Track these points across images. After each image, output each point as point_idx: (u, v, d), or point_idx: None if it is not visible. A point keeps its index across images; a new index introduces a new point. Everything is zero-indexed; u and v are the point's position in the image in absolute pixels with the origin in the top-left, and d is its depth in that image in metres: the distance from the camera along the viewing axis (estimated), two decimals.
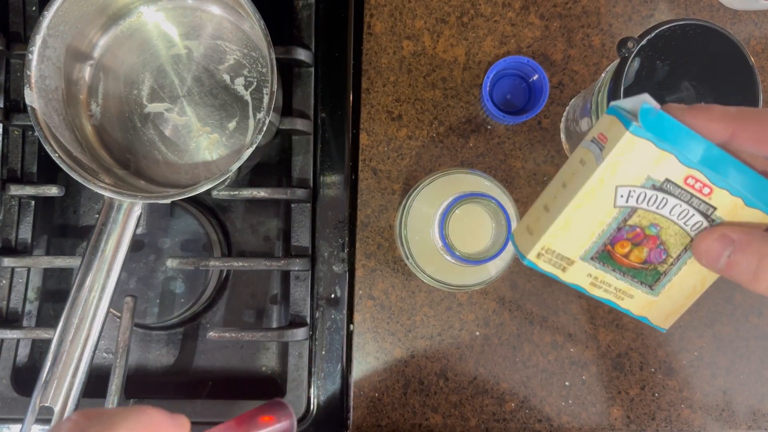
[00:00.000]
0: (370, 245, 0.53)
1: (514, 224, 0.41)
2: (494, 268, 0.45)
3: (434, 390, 0.52)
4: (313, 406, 0.51)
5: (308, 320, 0.52)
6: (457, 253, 0.40)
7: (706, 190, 0.28)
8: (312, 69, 0.53)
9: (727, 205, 0.28)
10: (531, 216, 0.31)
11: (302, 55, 0.51)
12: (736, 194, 0.28)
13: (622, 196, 0.28)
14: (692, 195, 0.28)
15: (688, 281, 0.30)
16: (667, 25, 0.41)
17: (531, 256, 0.29)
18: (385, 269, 0.53)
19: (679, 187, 0.28)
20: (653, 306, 0.31)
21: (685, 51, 0.43)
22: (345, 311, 0.52)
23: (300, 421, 0.51)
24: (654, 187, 0.28)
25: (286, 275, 0.53)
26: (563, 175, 0.30)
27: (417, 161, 0.53)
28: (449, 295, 0.52)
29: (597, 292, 0.30)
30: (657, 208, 0.28)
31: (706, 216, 0.29)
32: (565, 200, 0.28)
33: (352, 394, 0.52)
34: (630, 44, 0.41)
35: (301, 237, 0.52)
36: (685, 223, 0.29)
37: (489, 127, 0.53)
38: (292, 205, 0.53)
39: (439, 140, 0.53)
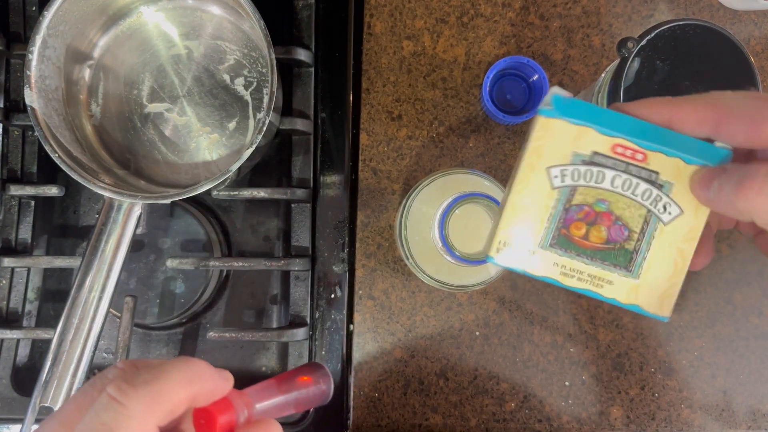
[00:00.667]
0: (370, 245, 0.53)
1: None
2: (494, 268, 0.45)
3: (434, 390, 0.52)
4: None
5: (308, 320, 0.52)
6: (457, 253, 0.40)
7: (639, 156, 0.29)
8: (312, 69, 0.53)
9: (669, 167, 0.29)
10: (493, 224, 0.32)
11: (302, 55, 0.51)
12: (673, 155, 0.29)
13: (556, 177, 0.29)
14: (627, 163, 0.29)
15: (666, 256, 0.30)
16: (667, 25, 0.41)
17: (492, 253, 0.30)
18: (385, 269, 0.53)
19: (609, 157, 0.29)
20: (639, 291, 0.30)
21: (685, 51, 0.43)
22: (345, 311, 0.52)
23: (300, 421, 0.51)
24: (584, 162, 0.29)
25: (286, 275, 0.53)
26: (510, 180, 0.32)
27: (417, 161, 0.53)
28: (449, 295, 0.52)
29: (571, 282, 0.30)
30: (596, 182, 0.29)
31: (652, 183, 0.29)
32: (507, 194, 0.30)
33: (352, 394, 0.52)
34: (630, 44, 0.41)
35: (301, 237, 0.52)
36: (633, 194, 0.29)
37: (489, 127, 0.53)
38: (292, 205, 0.53)
39: (439, 140, 0.53)
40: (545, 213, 0.29)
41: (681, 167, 0.29)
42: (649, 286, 0.30)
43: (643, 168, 0.29)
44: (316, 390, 0.37)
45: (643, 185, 0.29)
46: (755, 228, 0.30)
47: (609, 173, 0.29)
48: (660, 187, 0.29)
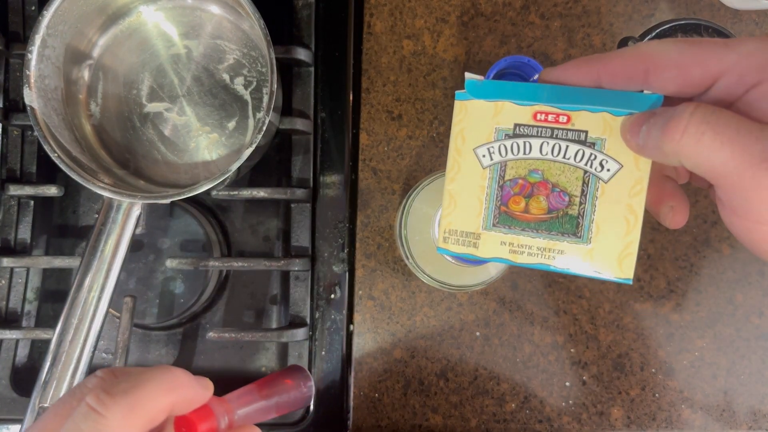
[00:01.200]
0: (370, 245, 0.53)
1: None
2: (494, 268, 0.45)
3: (434, 390, 0.52)
4: (313, 406, 0.51)
5: (308, 320, 0.52)
6: (457, 253, 0.40)
7: (563, 119, 0.28)
8: (312, 69, 0.53)
9: (596, 123, 0.28)
10: None
11: (302, 54, 0.51)
12: (598, 110, 0.28)
13: (484, 156, 0.29)
14: (552, 128, 0.28)
15: (615, 215, 0.29)
16: (667, 25, 0.41)
17: (439, 243, 0.30)
18: (385, 269, 0.52)
19: (532, 126, 0.29)
20: (594, 256, 0.29)
21: None
22: (345, 311, 0.52)
23: (299, 421, 0.51)
24: (508, 136, 0.29)
25: (285, 275, 0.53)
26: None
27: (417, 161, 0.53)
28: (449, 295, 0.52)
29: (522, 259, 0.30)
30: (524, 154, 0.29)
31: (582, 142, 0.28)
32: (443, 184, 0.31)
33: (352, 394, 0.52)
34: (631, 44, 0.41)
35: (301, 237, 0.52)
36: (564, 158, 0.29)
37: None
38: (292, 205, 0.53)
39: (439, 140, 0.53)
40: (481, 194, 0.30)
41: (609, 120, 0.28)
42: (604, 249, 0.29)
43: (570, 129, 0.28)
44: (297, 393, 0.37)
45: (574, 147, 0.28)
46: (705, 181, 0.28)
47: (535, 142, 0.29)
48: (592, 145, 0.28)
